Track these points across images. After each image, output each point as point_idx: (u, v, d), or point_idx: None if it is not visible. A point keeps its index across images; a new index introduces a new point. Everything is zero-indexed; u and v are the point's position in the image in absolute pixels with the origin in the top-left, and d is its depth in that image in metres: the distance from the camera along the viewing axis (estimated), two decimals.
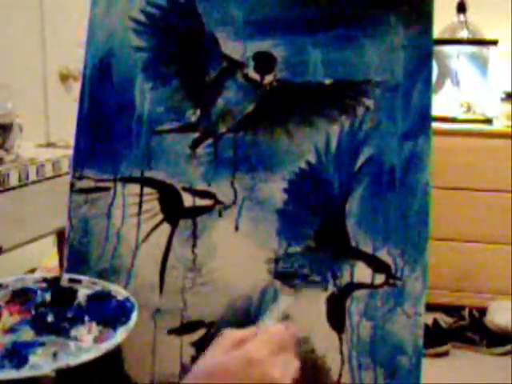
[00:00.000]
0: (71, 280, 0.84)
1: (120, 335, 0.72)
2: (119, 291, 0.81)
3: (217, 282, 0.88)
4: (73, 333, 0.75)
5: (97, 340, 0.73)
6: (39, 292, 0.82)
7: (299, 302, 0.86)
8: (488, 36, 2.83)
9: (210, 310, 0.89)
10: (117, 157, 0.92)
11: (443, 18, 2.77)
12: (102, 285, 0.83)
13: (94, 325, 0.76)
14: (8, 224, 1.81)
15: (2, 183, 1.77)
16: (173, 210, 0.90)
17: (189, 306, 0.89)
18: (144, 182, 0.91)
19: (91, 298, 0.81)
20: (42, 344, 0.72)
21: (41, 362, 0.68)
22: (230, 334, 0.64)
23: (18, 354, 0.69)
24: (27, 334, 0.74)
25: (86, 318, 0.77)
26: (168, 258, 0.90)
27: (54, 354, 0.70)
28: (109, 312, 0.77)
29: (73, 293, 0.82)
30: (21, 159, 1.88)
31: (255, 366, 0.59)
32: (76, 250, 0.93)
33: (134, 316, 0.75)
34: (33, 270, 2.65)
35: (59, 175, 1.99)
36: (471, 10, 2.83)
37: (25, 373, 0.66)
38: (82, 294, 0.81)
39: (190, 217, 0.90)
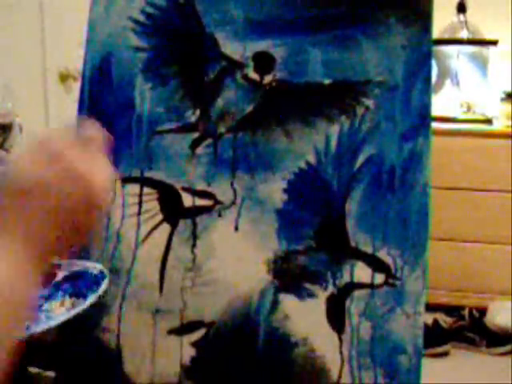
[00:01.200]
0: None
1: (89, 301, 0.74)
2: (94, 266, 0.82)
3: (216, 282, 0.88)
4: (45, 307, 0.76)
5: (69, 310, 0.74)
6: None
7: (299, 301, 0.86)
8: (488, 36, 2.83)
9: (209, 309, 0.89)
10: (117, 157, 0.92)
11: (443, 18, 2.77)
12: (79, 265, 0.84)
13: (67, 298, 0.77)
14: None
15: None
16: (172, 210, 0.90)
17: (189, 306, 0.89)
18: (144, 181, 0.91)
19: (68, 277, 0.82)
20: None
21: None
22: (47, 144, 0.54)
23: None
24: None
25: (60, 293, 0.78)
26: (168, 258, 0.90)
27: (26, 328, 0.70)
28: (82, 286, 0.79)
29: (51, 276, 0.83)
30: None
31: (58, 161, 0.52)
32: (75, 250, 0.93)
33: (104, 283, 0.77)
34: None
35: None
36: (471, 10, 2.82)
37: None
38: (60, 275, 0.82)
39: (189, 217, 0.90)
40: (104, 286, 0.77)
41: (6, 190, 0.52)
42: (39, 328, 0.68)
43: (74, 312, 0.72)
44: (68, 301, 0.77)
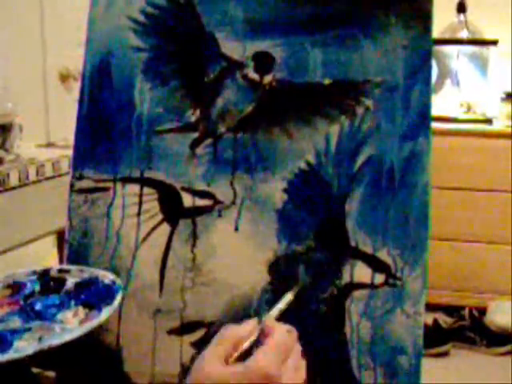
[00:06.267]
0: (60, 270, 0.85)
1: (104, 315, 0.73)
2: (106, 275, 0.82)
3: (216, 282, 0.88)
4: (59, 317, 0.75)
5: (82, 322, 0.73)
6: (29, 284, 0.82)
7: (299, 302, 0.86)
8: (488, 36, 2.83)
9: (209, 309, 0.89)
10: (116, 157, 0.92)
11: (443, 18, 2.77)
12: (90, 272, 0.83)
13: (80, 308, 0.77)
14: (8, 224, 1.81)
15: (1, 183, 1.77)
16: (172, 210, 0.90)
17: (189, 305, 0.89)
18: (143, 182, 0.91)
19: (79, 284, 0.81)
20: (29, 330, 0.73)
21: (25, 346, 0.69)
22: (229, 334, 0.59)
23: (3, 341, 0.70)
24: (15, 323, 0.75)
25: (72, 303, 0.78)
26: (168, 258, 0.90)
27: (40, 338, 0.70)
28: (95, 295, 0.78)
29: (62, 282, 0.83)
30: (21, 159, 1.88)
31: (270, 381, 0.54)
32: (76, 250, 0.93)
33: (119, 296, 0.77)
34: None
35: (59, 175, 1.99)
36: (471, 10, 2.83)
37: (8, 356, 0.67)
38: (71, 282, 0.82)
39: (189, 217, 0.90)
40: (119, 298, 0.76)
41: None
42: (55, 341, 0.68)
43: (89, 326, 0.71)
44: (81, 311, 0.76)
